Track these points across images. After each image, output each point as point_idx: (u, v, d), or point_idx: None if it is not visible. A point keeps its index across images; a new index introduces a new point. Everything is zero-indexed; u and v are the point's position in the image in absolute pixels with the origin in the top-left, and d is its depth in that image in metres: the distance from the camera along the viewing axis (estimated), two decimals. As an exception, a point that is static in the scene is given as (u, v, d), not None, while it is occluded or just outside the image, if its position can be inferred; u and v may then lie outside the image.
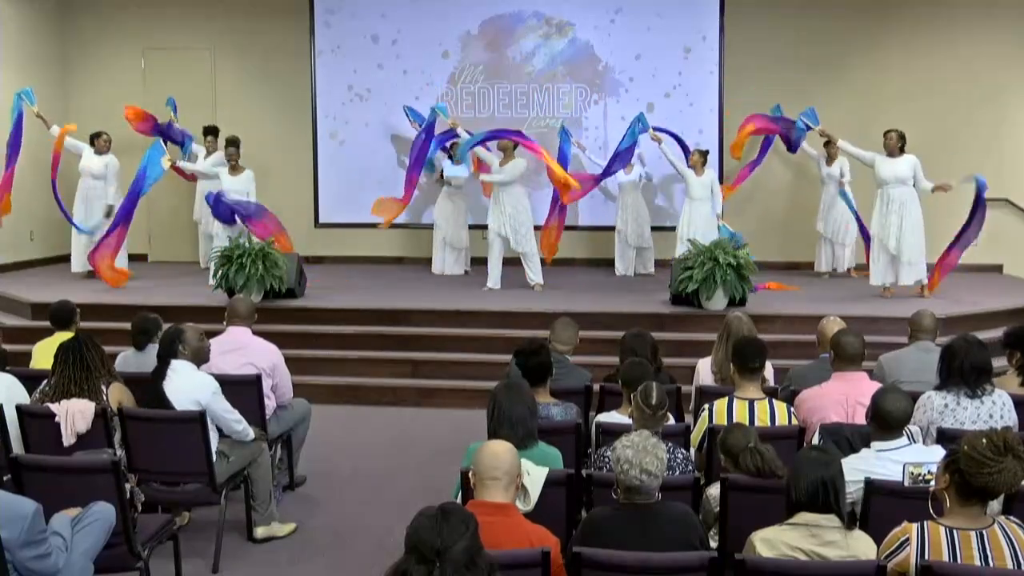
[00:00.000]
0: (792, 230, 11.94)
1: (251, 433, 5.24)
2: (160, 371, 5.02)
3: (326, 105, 12.73)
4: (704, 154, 10.82)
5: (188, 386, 4.99)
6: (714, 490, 4.06)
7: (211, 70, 12.71)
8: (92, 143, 10.90)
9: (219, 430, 5.09)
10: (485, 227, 10.45)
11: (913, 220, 9.34)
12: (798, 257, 11.77)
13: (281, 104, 12.47)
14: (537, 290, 10.08)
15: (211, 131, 11.49)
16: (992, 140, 11.81)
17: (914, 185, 9.37)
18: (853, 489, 3.69)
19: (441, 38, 12.49)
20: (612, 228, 11.51)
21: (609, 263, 11.58)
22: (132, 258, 11.19)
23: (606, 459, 3.99)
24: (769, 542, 3.24)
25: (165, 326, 5.59)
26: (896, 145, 9.34)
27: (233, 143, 10.50)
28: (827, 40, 11.91)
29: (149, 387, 5.01)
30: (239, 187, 10.25)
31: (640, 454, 3.40)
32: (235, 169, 10.35)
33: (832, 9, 12.00)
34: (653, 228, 11.49)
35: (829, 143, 10.65)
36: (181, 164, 10.88)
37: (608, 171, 10.44)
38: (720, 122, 12.16)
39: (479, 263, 11.54)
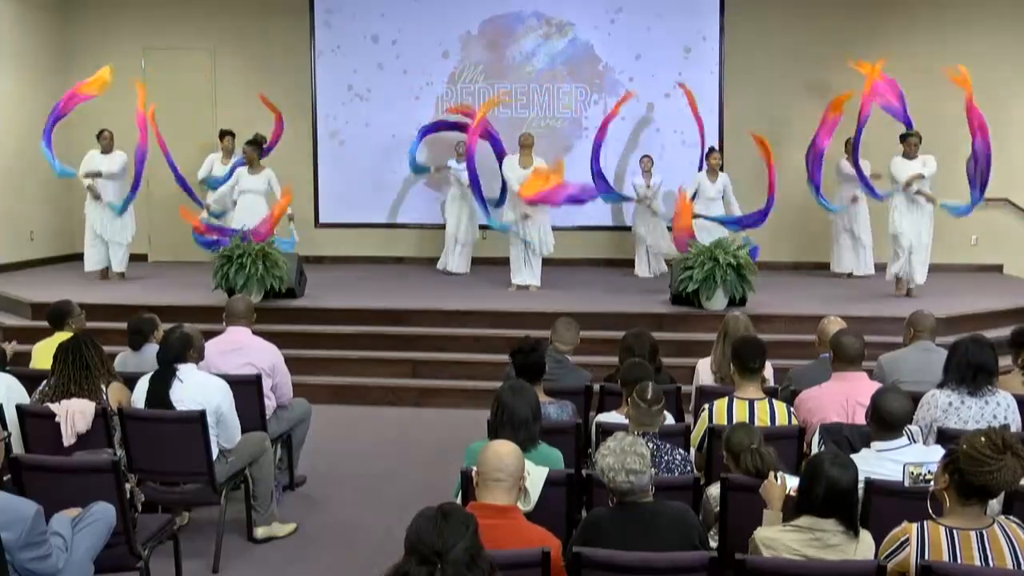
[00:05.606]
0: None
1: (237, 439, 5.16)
2: (167, 378, 4.95)
3: (326, 105, 12.74)
4: (720, 157, 10.72)
5: (201, 390, 4.95)
6: (714, 490, 4.05)
7: (211, 70, 12.71)
8: (98, 141, 10.84)
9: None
10: (488, 228, 10.42)
11: (928, 220, 9.51)
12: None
13: (281, 104, 12.41)
14: (532, 290, 10.10)
15: (228, 132, 11.38)
16: (992, 138, 11.78)
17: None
18: (854, 489, 3.69)
19: (441, 38, 12.50)
20: (619, 228, 11.50)
21: (618, 263, 11.62)
22: (133, 258, 11.19)
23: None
24: (771, 542, 3.24)
25: (164, 326, 5.59)
26: (917, 148, 9.54)
27: (251, 142, 10.46)
28: (826, 40, 11.89)
29: (154, 393, 4.94)
30: (258, 186, 10.22)
31: (620, 457, 3.37)
32: (254, 167, 10.29)
33: (831, 9, 12.01)
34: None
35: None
36: (205, 220, 10.27)
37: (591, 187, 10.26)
38: (720, 122, 12.17)
39: (479, 263, 11.54)
